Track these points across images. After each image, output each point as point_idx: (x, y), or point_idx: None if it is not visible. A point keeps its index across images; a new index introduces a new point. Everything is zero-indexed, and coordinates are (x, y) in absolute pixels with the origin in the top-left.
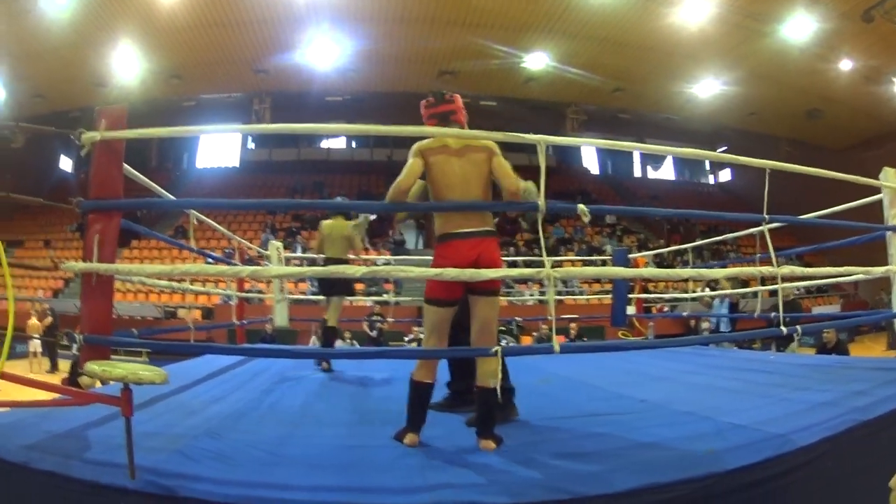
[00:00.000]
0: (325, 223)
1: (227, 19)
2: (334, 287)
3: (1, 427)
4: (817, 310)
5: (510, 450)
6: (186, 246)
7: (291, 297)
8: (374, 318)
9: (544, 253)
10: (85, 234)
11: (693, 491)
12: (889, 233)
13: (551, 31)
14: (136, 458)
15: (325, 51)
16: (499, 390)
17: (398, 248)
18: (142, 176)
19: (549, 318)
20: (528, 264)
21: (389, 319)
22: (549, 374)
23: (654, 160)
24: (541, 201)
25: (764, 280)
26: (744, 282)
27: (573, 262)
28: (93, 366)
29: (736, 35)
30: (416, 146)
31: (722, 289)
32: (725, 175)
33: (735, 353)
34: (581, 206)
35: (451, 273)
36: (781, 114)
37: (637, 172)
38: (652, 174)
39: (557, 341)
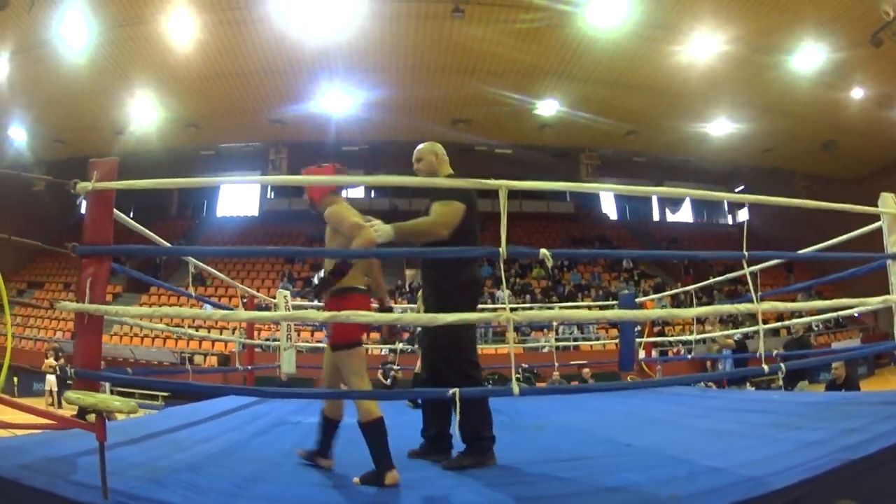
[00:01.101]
0: None
1: (241, 70)
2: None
3: (2, 448)
4: (837, 345)
5: (476, 491)
6: (185, 292)
7: (305, 344)
8: (388, 366)
9: (506, 296)
10: (79, 277)
11: None
12: (889, 261)
13: (561, 76)
14: (117, 483)
15: (338, 100)
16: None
17: (414, 295)
18: (136, 224)
19: (510, 363)
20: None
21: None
22: (546, 420)
23: (673, 203)
24: (502, 248)
25: (779, 318)
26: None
27: (589, 308)
28: (71, 394)
29: (745, 71)
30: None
31: (717, 330)
32: (744, 214)
33: (739, 394)
34: (543, 251)
35: (448, 318)
36: (796, 148)
37: (656, 216)
38: (671, 217)
39: (517, 384)
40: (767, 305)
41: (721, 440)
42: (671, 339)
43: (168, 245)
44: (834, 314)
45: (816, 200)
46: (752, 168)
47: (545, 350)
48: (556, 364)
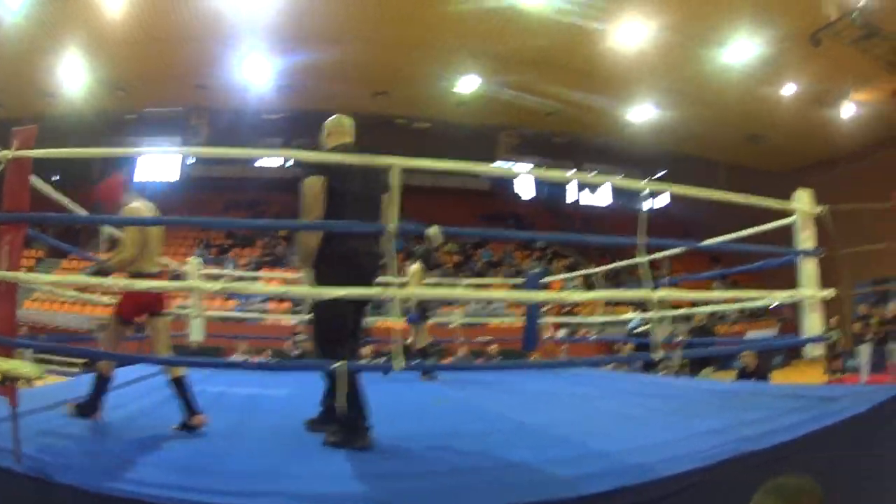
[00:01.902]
0: None
1: (168, 34)
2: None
3: None
4: (753, 334)
5: (359, 463)
6: (97, 259)
7: (215, 313)
8: (298, 336)
9: (394, 272)
10: None
11: None
12: (800, 256)
13: (485, 54)
14: (29, 448)
15: (262, 68)
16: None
17: None
18: (53, 191)
19: (394, 339)
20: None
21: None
22: (449, 396)
23: (591, 184)
24: (391, 225)
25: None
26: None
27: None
28: None
29: (673, 59)
30: None
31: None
32: (664, 199)
33: (645, 379)
34: (432, 229)
35: (335, 293)
36: (721, 138)
37: (573, 197)
38: (587, 199)
39: (400, 360)
40: (662, 293)
41: (618, 423)
42: (576, 320)
43: (85, 213)
44: (749, 304)
45: (739, 191)
46: (674, 154)
47: (452, 326)
48: (462, 339)
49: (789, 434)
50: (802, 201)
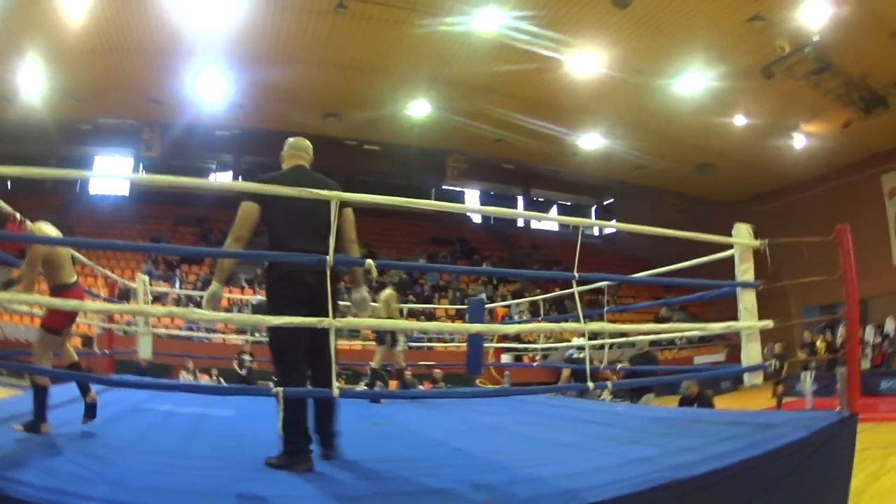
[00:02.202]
0: None
1: (123, 46)
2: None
3: None
4: (700, 359)
5: (297, 485)
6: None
7: (164, 331)
8: (244, 356)
9: (329, 305)
10: None
11: None
12: (739, 288)
13: (435, 80)
14: None
15: (215, 85)
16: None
17: None
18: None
19: (334, 364)
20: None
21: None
22: (389, 419)
23: (539, 210)
24: (329, 257)
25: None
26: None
27: (446, 311)
28: None
29: (624, 90)
30: None
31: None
32: (611, 227)
33: (584, 405)
34: (369, 261)
35: (274, 321)
36: (670, 168)
37: (521, 222)
38: (536, 224)
39: (338, 385)
40: (595, 326)
41: (551, 450)
42: (519, 346)
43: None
44: (689, 333)
45: (688, 219)
46: (622, 183)
47: (398, 349)
48: (405, 364)
49: (721, 461)
50: (741, 234)
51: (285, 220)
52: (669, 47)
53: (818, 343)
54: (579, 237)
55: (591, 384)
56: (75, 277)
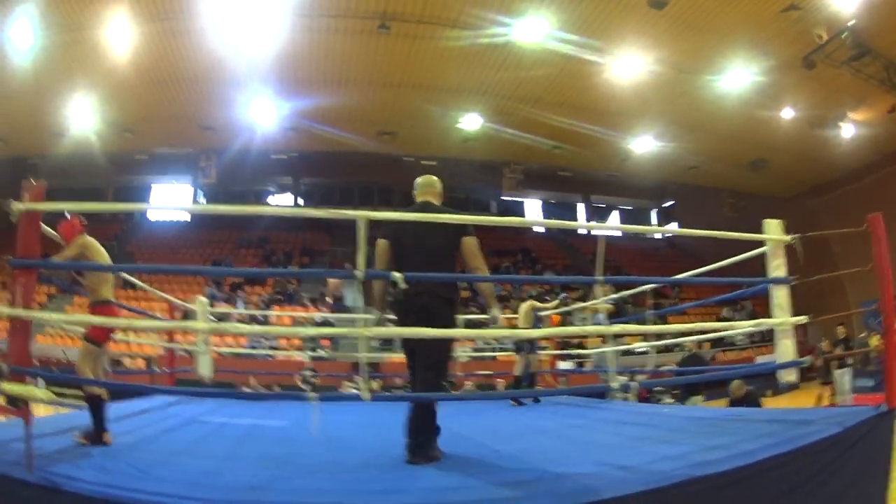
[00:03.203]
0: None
1: (174, 77)
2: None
3: None
4: (761, 359)
5: (336, 481)
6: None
7: (225, 349)
8: (307, 372)
9: (361, 313)
10: (11, 285)
11: None
12: (771, 285)
13: (485, 93)
14: (41, 463)
15: (267, 110)
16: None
17: (337, 305)
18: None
19: (363, 373)
20: None
21: (322, 374)
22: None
23: (600, 216)
24: (358, 271)
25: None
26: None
27: (508, 320)
28: (5, 385)
29: (671, 90)
30: None
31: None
32: (673, 229)
33: (632, 407)
34: (395, 274)
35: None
36: (724, 166)
37: (583, 230)
38: (599, 231)
39: (364, 389)
40: (618, 328)
41: (583, 449)
42: (571, 352)
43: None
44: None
45: (745, 217)
46: (679, 185)
47: (462, 359)
48: (464, 374)
49: (748, 458)
50: (772, 231)
51: (404, 252)
52: (709, 45)
53: (872, 339)
54: (601, 241)
55: (615, 383)
56: (114, 297)
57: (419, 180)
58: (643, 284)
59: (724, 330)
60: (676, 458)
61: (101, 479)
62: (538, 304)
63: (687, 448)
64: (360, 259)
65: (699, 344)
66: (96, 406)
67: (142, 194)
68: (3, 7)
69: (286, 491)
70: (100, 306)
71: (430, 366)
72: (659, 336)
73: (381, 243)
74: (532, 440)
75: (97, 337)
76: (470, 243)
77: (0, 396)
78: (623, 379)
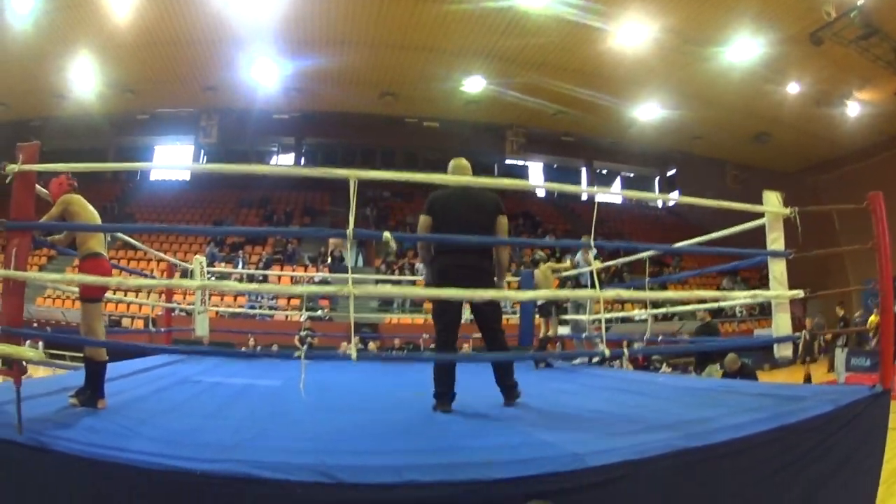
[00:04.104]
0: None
1: (175, 38)
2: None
3: None
4: (759, 332)
5: (319, 441)
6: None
7: (225, 309)
8: (305, 332)
9: (350, 273)
10: (6, 247)
11: (453, 494)
12: (769, 257)
13: (489, 55)
14: (30, 425)
15: (269, 70)
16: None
17: (337, 264)
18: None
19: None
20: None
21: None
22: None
23: (603, 182)
24: (349, 231)
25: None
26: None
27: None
28: None
29: (676, 59)
30: None
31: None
32: (675, 197)
33: (628, 375)
34: (386, 234)
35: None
36: (728, 138)
37: (584, 196)
38: (600, 197)
39: (352, 348)
40: (611, 293)
41: (575, 418)
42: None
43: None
44: (751, 300)
45: (748, 190)
46: (682, 154)
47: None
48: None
49: (733, 433)
50: (771, 203)
51: (448, 228)
52: (716, 15)
53: (872, 318)
54: (595, 207)
55: (606, 351)
56: (105, 250)
57: (453, 163)
58: (642, 251)
59: (721, 300)
60: (667, 427)
61: (88, 438)
62: (555, 266)
63: (678, 418)
64: (351, 218)
65: (710, 313)
66: (95, 371)
67: (143, 155)
68: None
69: (264, 449)
70: (89, 259)
71: (498, 325)
72: (656, 304)
73: (424, 219)
74: (525, 406)
75: (92, 294)
76: (503, 222)
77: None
78: (603, 347)
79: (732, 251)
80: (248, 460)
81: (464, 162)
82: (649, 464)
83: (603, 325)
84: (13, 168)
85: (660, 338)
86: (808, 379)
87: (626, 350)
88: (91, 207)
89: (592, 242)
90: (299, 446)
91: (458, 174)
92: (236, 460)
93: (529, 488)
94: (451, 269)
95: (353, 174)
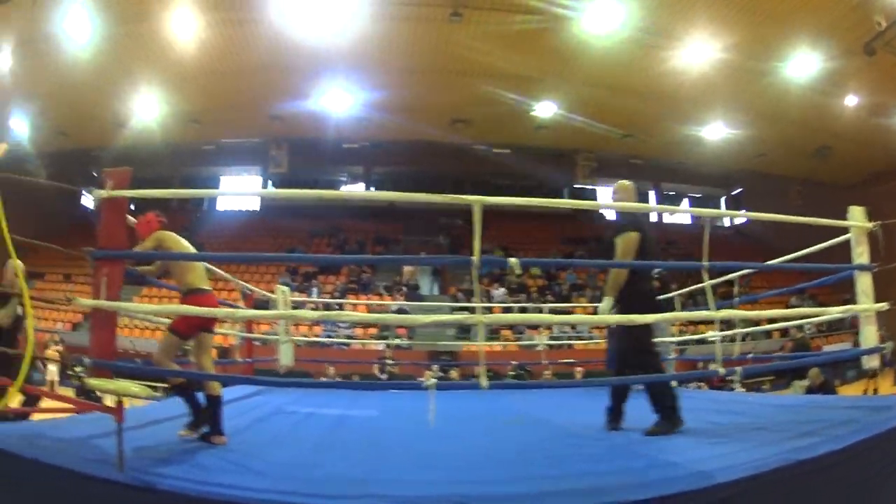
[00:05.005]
0: None
1: (242, 67)
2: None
3: (20, 431)
4: (828, 348)
5: (440, 471)
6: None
7: (303, 339)
8: (384, 361)
9: (477, 299)
10: (94, 276)
11: None
12: (856, 271)
13: (558, 79)
14: (130, 460)
15: (339, 99)
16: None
17: (412, 292)
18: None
19: (481, 361)
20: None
21: (400, 363)
22: (523, 414)
23: (670, 203)
24: (475, 257)
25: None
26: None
27: (584, 308)
28: (93, 381)
29: (739, 77)
30: None
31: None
32: (742, 218)
33: (717, 395)
34: (513, 260)
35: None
36: (790, 154)
37: (654, 216)
38: (669, 218)
39: (486, 380)
40: (724, 314)
41: (685, 439)
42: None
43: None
44: (825, 318)
45: (812, 205)
46: (747, 172)
47: (539, 348)
48: (546, 362)
49: (837, 444)
50: (856, 218)
51: (647, 249)
52: (774, 31)
53: None
54: (706, 229)
55: (721, 370)
56: (208, 285)
57: (619, 185)
58: (736, 271)
59: (818, 315)
60: (773, 443)
61: (196, 475)
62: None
63: (780, 435)
64: (476, 243)
65: (799, 329)
66: (213, 404)
67: (208, 185)
68: (59, 0)
69: (395, 482)
70: (190, 296)
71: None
72: (753, 323)
73: (633, 236)
74: (636, 428)
75: (181, 328)
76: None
77: (71, 390)
78: (718, 367)
79: (822, 267)
80: (385, 495)
81: (627, 184)
82: (769, 477)
83: (718, 346)
84: (101, 194)
85: (749, 355)
86: (875, 391)
87: (738, 370)
88: (185, 243)
89: (707, 264)
90: (428, 477)
91: (623, 197)
92: (374, 496)
93: None
94: (652, 292)
95: (478, 200)
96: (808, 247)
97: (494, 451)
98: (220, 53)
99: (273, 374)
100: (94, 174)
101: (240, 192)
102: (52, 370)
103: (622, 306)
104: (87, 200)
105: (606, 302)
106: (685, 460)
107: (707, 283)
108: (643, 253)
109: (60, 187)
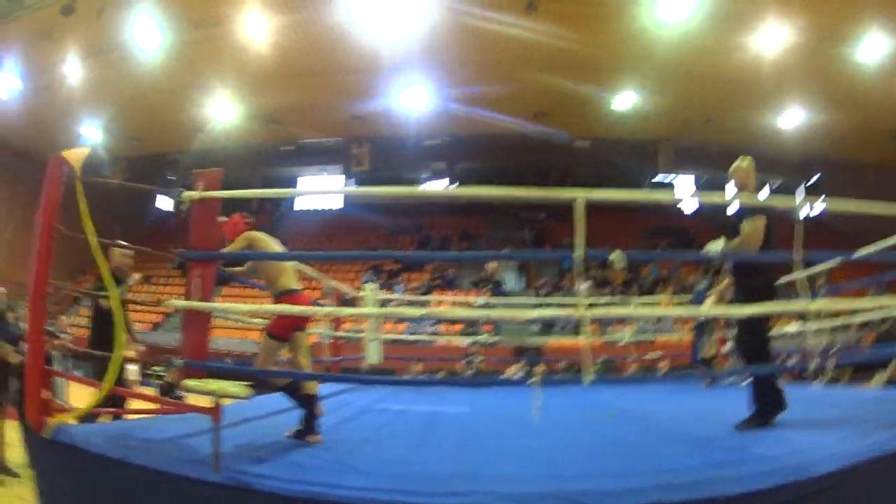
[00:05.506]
0: None
1: (317, 68)
2: None
3: (111, 432)
4: None
5: (542, 466)
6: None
7: (389, 336)
8: (471, 357)
9: (582, 295)
10: (186, 277)
11: None
12: None
13: (635, 69)
14: (225, 460)
15: (417, 96)
16: None
17: (497, 289)
18: None
19: (585, 355)
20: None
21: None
22: (619, 409)
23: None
24: (578, 252)
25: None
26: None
27: (671, 301)
28: (189, 382)
29: (812, 60)
30: None
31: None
32: (819, 206)
33: (808, 389)
34: (616, 253)
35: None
36: (865, 139)
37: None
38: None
39: (588, 374)
40: (819, 304)
41: (777, 431)
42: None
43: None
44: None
45: (888, 192)
46: (823, 158)
47: (623, 343)
48: (633, 356)
49: None
50: None
51: (771, 235)
52: (846, 11)
53: None
54: (798, 219)
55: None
56: (299, 285)
57: (739, 165)
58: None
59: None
60: (865, 434)
61: (296, 474)
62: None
63: (872, 423)
64: (579, 239)
65: (883, 321)
66: (308, 404)
67: (289, 185)
68: (123, 9)
69: (500, 479)
70: (283, 297)
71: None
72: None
73: (762, 221)
74: (720, 423)
75: (278, 331)
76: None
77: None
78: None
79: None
80: (493, 491)
81: (747, 162)
82: (862, 468)
83: (812, 339)
84: (192, 195)
85: (834, 347)
86: None
87: (828, 363)
88: (274, 243)
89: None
90: (532, 473)
91: (742, 176)
92: (481, 492)
93: (767, 499)
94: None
95: (580, 194)
96: (884, 235)
97: (591, 446)
98: (294, 55)
99: (360, 371)
100: (170, 178)
101: (325, 191)
102: (133, 370)
103: (745, 293)
104: (163, 203)
105: (720, 249)
106: (779, 453)
107: (801, 273)
108: (767, 240)
109: (140, 189)
